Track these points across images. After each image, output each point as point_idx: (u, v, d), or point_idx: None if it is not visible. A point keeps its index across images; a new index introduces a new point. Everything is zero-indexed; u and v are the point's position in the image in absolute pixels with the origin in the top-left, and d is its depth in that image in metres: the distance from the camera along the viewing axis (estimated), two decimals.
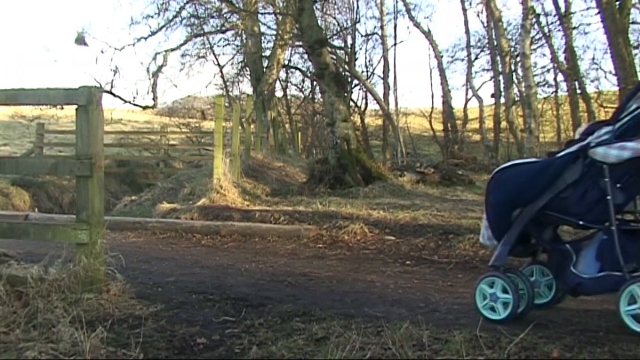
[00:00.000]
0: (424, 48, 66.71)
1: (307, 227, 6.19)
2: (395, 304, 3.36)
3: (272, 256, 5.23)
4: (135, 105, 12.98)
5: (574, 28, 16.74)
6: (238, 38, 18.76)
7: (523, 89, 14.84)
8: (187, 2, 14.48)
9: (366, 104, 24.06)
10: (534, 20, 15.38)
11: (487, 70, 22.71)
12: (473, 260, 4.81)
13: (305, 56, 17.08)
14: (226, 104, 18.58)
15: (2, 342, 2.41)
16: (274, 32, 16.32)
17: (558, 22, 16.44)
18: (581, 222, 2.79)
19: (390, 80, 21.62)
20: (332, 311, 3.05)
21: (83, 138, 3.12)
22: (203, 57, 19.47)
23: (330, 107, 9.90)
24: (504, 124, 20.07)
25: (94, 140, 3.12)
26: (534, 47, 17.61)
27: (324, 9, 19.46)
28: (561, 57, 17.88)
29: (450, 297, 3.53)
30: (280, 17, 15.12)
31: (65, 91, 3.25)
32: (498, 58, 17.86)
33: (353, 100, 22.30)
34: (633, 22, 13.84)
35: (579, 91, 17.23)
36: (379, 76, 22.58)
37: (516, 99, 17.55)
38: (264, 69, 15.33)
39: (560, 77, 19.60)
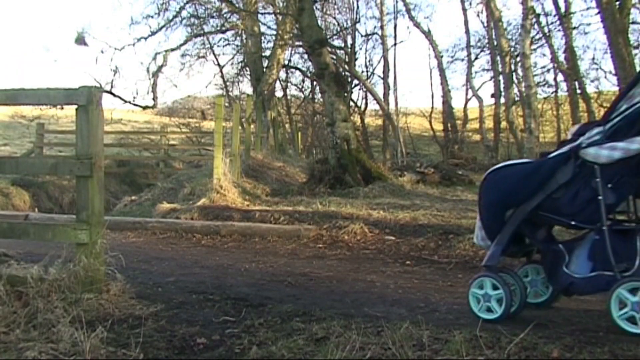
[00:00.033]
0: (424, 48, 66.75)
1: (307, 227, 6.19)
2: (395, 304, 3.36)
3: (272, 256, 5.23)
4: (135, 105, 12.99)
5: (574, 28, 16.75)
6: (238, 38, 18.79)
7: (523, 89, 14.84)
8: (187, 2, 14.49)
9: (366, 104, 24.10)
10: (534, 20, 15.38)
11: (487, 70, 22.73)
12: (473, 260, 4.81)
13: (305, 56, 17.10)
14: (226, 104, 18.58)
15: (2, 342, 2.41)
16: (274, 32, 16.33)
17: (558, 22, 16.45)
18: (573, 223, 2.81)
19: (390, 80, 21.65)
20: (332, 311, 3.05)
21: (83, 138, 3.12)
22: (203, 57, 19.50)
23: (330, 107, 9.90)
24: (504, 124, 20.07)
25: (94, 140, 3.13)
26: (534, 47, 17.61)
27: (324, 9, 19.47)
28: (561, 57, 17.88)
29: (450, 297, 3.53)
30: (280, 17, 15.12)
31: (65, 91, 3.25)
32: (498, 58, 17.87)
33: (353, 100, 22.32)
34: (633, 22, 13.86)
35: (579, 91, 17.24)
36: (379, 76, 22.60)
37: (516, 99, 17.56)
38: (264, 69, 15.33)
39: (560, 77, 19.61)
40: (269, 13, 16.50)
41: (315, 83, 19.92)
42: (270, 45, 16.66)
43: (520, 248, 3.09)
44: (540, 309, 3.10)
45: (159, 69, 13.77)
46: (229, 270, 4.53)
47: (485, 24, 20.65)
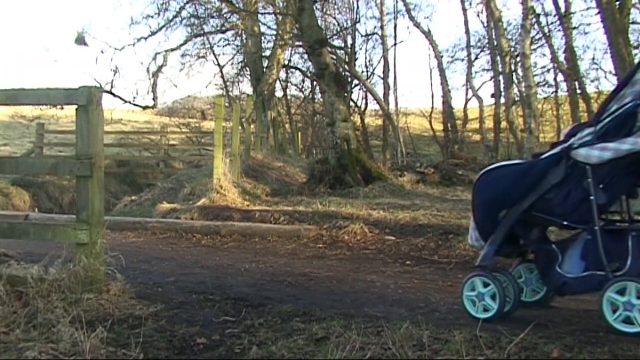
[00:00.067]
0: (424, 48, 66.72)
1: (307, 227, 6.19)
2: (395, 304, 3.36)
3: (272, 256, 5.23)
4: (135, 105, 12.99)
5: (574, 28, 16.74)
6: (238, 38, 18.79)
7: (523, 89, 14.83)
8: (187, 2, 14.50)
9: (366, 104, 24.08)
10: (534, 20, 15.38)
11: (487, 70, 22.70)
12: (473, 260, 4.79)
13: (305, 56, 17.10)
14: (226, 104, 18.58)
15: (2, 342, 2.41)
16: (274, 32, 16.33)
17: (558, 22, 16.44)
18: (565, 223, 2.83)
19: (390, 80, 21.63)
20: (332, 311, 3.05)
21: (83, 138, 3.12)
22: (203, 57, 19.50)
23: (330, 107, 9.90)
24: (504, 124, 20.04)
25: (94, 140, 3.13)
26: (534, 47, 17.60)
27: (324, 9, 19.46)
28: (561, 57, 17.88)
29: (450, 297, 3.53)
30: (280, 17, 15.12)
31: (65, 91, 3.25)
32: (498, 58, 17.85)
33: (353, 100, 22.31)
34: (633, 22, 13.85)
35: (579, 91, 17.23)
36: (379, 76, 22.59)
37: (516, 99, 17.54)
38: (264, 69, 15.33)
39: (560, 77, 19.59)
40: (269, 13, 16.52)
41: (315, 83, 19.91)
42: (270, 45, 16.68)
43: (514, 248, 3.11)
44: (540, 309, 3.10)
45: (159, 69, 13.78)
46: (229, 270, 4.53)
47: (485, 24, 20.63)
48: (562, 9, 16.15)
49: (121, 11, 47.34)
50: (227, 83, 22.28)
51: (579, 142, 2.74)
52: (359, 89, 22.90)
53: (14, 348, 2.34)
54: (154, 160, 16.37)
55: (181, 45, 15.50)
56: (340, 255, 5.28)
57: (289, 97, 23.87)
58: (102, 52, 13.13)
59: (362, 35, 23.19)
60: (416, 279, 4.24)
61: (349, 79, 19.64)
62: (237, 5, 14.38)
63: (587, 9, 16.82)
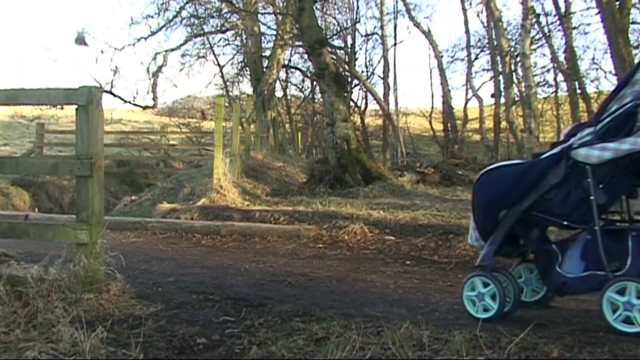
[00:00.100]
0: (424, 48, 66.72)
1: (307, 227, 6.19)
2: (395, 304, 3.36)
3: (272, 256, 5.23)
4: (135, 105, 13.00)
5: (574, 28, 16.74)
6: (238, 38, 18.79)
7: (523, 89, 14.83)
8: (187, 2, 14.50)
9: (366, 104, 24.08)
10: (534, 20, 15.38)
11: (487, 70, 22.70)
12: (473, 260, 4.79)
13: (305, 56, 17.10)
14: (226, 104, 18.59)
15: (2, 342, 2.41)
16: (274, 32, 16.33)
17: (558, 22, 16.44)
18: (565, 223, 2.83)
19: (390, 80, 21.62)
20: (332, 311, 3.05)
21: (83, 138, 3.12)
22: (203, 57, 19.50)
23: (330, 107, 9.90)
24: (504, 124, 20.04)
25: (94, 140, 3.13)
26: (534, 47, 17.60)
27: (324, 9, 19.46)
28: (561, 57, 17.88)
29: (450, 297, 3.53)
30: (280, 17, 15.12)
31: (65, 91, 3.25)
32: (498, 58, 17.85)
33: (353, 100, 22.31)
34: (633, 22, 13.85)
35: (579, 91, 17.23)
36: (379, 76, 22.58)
37: (516, 99, 17.54)
38: (264, 69, 15.33)
39: (560, 77, 19.59)
40: (269, 13, 16.52)
41: (315, 83, 19.91)
42: (270, 45, 16.68)
43: (514, 248, 3.11)
44: (540, 309, 3.10)
45: (159, 69, 13.79)
46: (229, 270, 4.53)
47: (485, 24, 20.63)
48: (562, 9, 16.15)
49: (121, 11, 47.41)
50: (227, 83, 22.31)
51: (579, 142, 2.75)
52: (359, 89, 22.93)
53: (14, 348, 2.34)
54: (154, 160, 16.37)
55: (181, 45, 15.52)
56: (340, 255, 5.28)
57: (289, 97, 23.88)
58: (102, 52, 13.16)
59: (362, 35, 23.23)
60: (416, 279, 4.24)
61: (349, 79, 19.64)
62: (237, 5, 14.39)
63: (587, 9, 16.84)
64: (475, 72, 22.82)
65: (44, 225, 3.86)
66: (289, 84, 23.50)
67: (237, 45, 19.53)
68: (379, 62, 23.08)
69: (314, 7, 11.17)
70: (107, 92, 11.62)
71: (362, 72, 22.69)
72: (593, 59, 28.56)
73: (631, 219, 2.86)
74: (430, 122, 23.82)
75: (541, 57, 23.78)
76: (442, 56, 21.78)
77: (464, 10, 21.59)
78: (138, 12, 39.42)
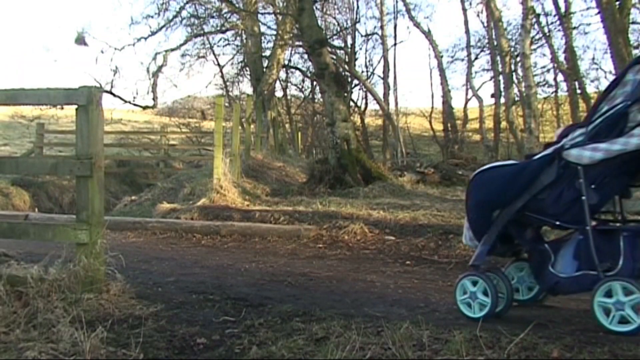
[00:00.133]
0: (424, 48, 66.70)
1: (307, 227, 6.19)
2: (395, 304, 3.36)
3: (272, 256, 5.23)
4: (135, 105, 13.00)
5: (574, 28, 16.74)
6: (238, 38, 18.78)
7: (523, 89, 14.83)
8: (187, 2, 14.50)
9: (366, 104, 24.08)
10: (534, 20, 15.38)
11: (487, 70, 22.68)
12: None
13: (305, 56, 17.09)
14: (226, 104, 18.59)
15: (2, 342, 2.41)
16: (274, 32, 16.33)
17: (558, 22, 16.43)
18: (558, 223, 2.85)
19: (390, 80, 21.62)
20: (332, 311, 3.05)
21: (83, 138, 3.12)
22: (203, 57, 19.49)
23: (330, 107, 9.90)
24: (504, 124, 20.04)
25: (94, 140, 3.13)
26: (534, 47, 17.59)
27: (324, 9, 19.46)
28: (561, 57, 17.87)
29: (450, 297, 3.51)
30: (280, 17, 15.12)
31: (65, 91, 3.26)
32: (498, 58, 17.84)
33: (353, 100, 22.30)
34: (633, 22, 13.85)
35: (579, 91, 17.23)
36: (379, 76, 22.58)
37: (516, 99, 17.54)
38: (264, 69, 15.33)
39: (560, 77, 19.58)
40: (269, 13, 16.52)
41: (315, 83, 19.91)
42: (270, 45, 16.67)
43: (508, 248, 3.13)
44: (540, 309, 3.10)
45: (159, 69, 13.79)
46: (229, 270, 4.53)
47: (485, 24, 20.62)
48: (562, 9, 16.14)
49: (121, 11, 47.42)
50: (227, 83, 22.30)
51: (570, 142, 2.76)
52: (359, 89, 22.93)
53: (14, 348, 2.34)
54: (154, 160, 16.37)
55: (181, 45, 15.52)
56: (340, 255, 5.28)
57: (289, 97, 23.87)
58: (102, 52, 13.16)
59: (362, 35, 23.23)
60: (416, 279, 4.24)
61: (349, 79, 19.63)
62: (237, 5, 14.39)
63: (587, 9, 16.83)
64: (475, 72, 22.84)
65: (44, 225, 3.86)
66: (289, 84, 23.53)
67: (237, 45, 19.55)
68: (379, 62, 23.11)
69: (314, 7, 11.17)
70: (107, 92, 11.62)
71: (362, 72, 22.70)
72: (593, 59, 28.56)
73: (624, 219, 2.89)
74: (430, 122, 23.81)
75: (541, 57, 23.78)
76: (442, 56, 21.80)
77: (464, 10, 21.61)
78: (138, 12, 39.45)
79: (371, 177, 9.74)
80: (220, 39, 19.13)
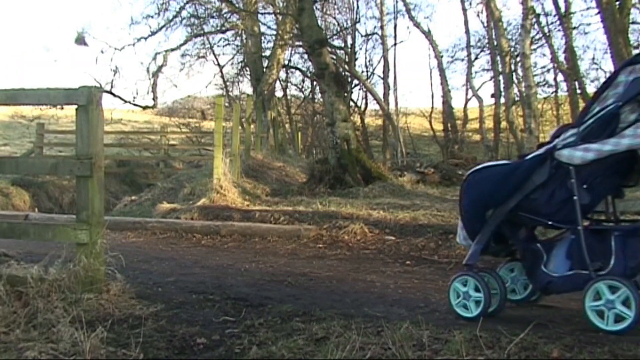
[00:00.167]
0: (424, 48, 66.69)
1: (307, 227, 6.19)
2: (395, 304, 3.36)
3: (272, 256, 5.23)
4: (135, 105, 13.00)
5: (574, 28, 16.73)
6: (238, 38, 18.78)
7: (523, 89, 14.83)
8: (187, 2, 14.50)
9: (366, 104, 24.08)
10: (534, 20, 15.37)
11: (487, 70, 22.68)
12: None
13: (305, 56, 17.09)
14: (226, 104, 18.59)
15: (2, 342, 2.41)
16: (274, 32, 16.33)
17: (558, 22, 16.42)
18: (550, 222, 2.88)
19: (390, 80, 21.62)
20: (332, 311, 3.05)
21: (83, 138, 3.12)
22: (203, 57, 19.49)
23: (330, 107, 9.90)
24: (504, 124, 20.04)
25: (94, 140, 3.13)
26: (534, 47, 17.59)
27: (324, 9, 19.46)
28: (561, 57, 17.85)
29: None
30: (280, 17, 15.12)
31: (65, 91, 3.26)
32: (498, 58, 17.84)
33: (353, 100, 22.30)
34: (633, 22, 13.86)
35: (579, 91, 17.21)
36: (379, 76, 22.57)
37: (516, 99, 17.54)
38: (264, 69, 15.33)
39: (560, 77, 19.58)
40: (269, 13, 16.52)
41: (315, 83, 19.91)
42: (270, 45, 16.68)
43: (502, 247, 3.15)
44: (540, 309, 3.11)
45: (159, 69, 13.79)
46: (229, 270, 4.53)
47: (485, 24, 20.62)
48: (562, 9, 16.13)
49: (121, 11, 47.47)
50: (227, 83, 22.30)
51: (562, 143, 2.79)
52: (359, 89, 22.92)
53: (14, 348, 2.34)
54: (154, 160, 16.37)
55: (181, 45, 15.52)
56: (340, 255, 5.28)
57: (289, 97, 23.87)
58: (102, 52, 13.16)
59: (362, 35, 23.22)
60: (416, 279, 4.24)
61: (349, 79, 19.63)
62: (237, 5, 14.39)
63: (587, 9, 16.82)
64: (475, 72, 22.84)
65: (44, 225, 3.86)
66: (289, 84, 23.53)
67: (237, 45, 19.55)
68: (379, 62, 23.10)
69: (314, 7, 11.17)
70: (107, 92, 11.62)
71: (362, 72, 22.70)
72: (593, 59, 28.57)
73: (617, 219, 2.91)
74: (430, 122, 23.81)
75: (541, 57, 23.76)
76: (442, 56, 21.79)
77: (464, 10, 21.60)
78: (138, 12, 39.47)
79: (371, 177, 9.74)
80: (220, 39, 19.16)
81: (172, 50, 14.66)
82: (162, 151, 16.83)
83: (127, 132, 20.02)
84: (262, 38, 16.50)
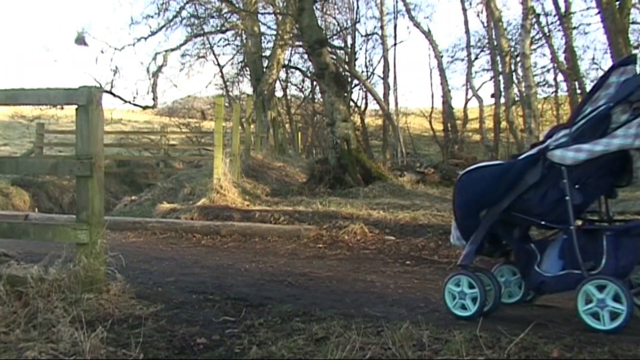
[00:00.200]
0: (424, 48, 66.70)
1: (307, 227, 6.19)
2: (395, 304, 3.36)
3: (272, 256, 5.23)
4: (135, 105, 13.01)
5: (574, 28, 16.73)
6: (238, 38, 18.78)
7: (523, 89, 14.82)
8: (187, 2, 14.51)
9: (366, 104, 24.07)
10: (534, 20, 15.36)
11: (487, 70, 22.67)
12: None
13: (305, 56, 17.09)
14: (226, 104, 18.58)
15: (2, 342, 2.41)
16: (274, 32, 16.33)
17: (558, 22, 16.42)
18: (543, 222, 2.90)
19: (390, 80, 21.60)
20: (332, 311, 3.05)
21: (83, 138, 3.12)
22: (203, 57, 19.49)
23: (330, 107, 9.90)
24: (504, 124, 20.03)
25: (94, 140, 3.13)
26: (534, 47, 17.58)
27: (324, 9, 19.46)
28: (561, 57, 17.85)
29: None
30: (280, 17, 15.12)
31: (65, 91, 3.26)
32: (498, 58, 17.83)
33: (353, 100, 22.30)
34: (633, 22, 13.86)
35: (579, 91, 17.21)
36: (379, 76, 22.57)
37: (516, 99, 17.53)
38: (264, 69, 15.33)
39: (560, 77, 19.58)
40: (269, 13, 16.52)
41: (315, 83, 19.91)
42: (270, 45, 16.67)
43: (496, 248, 3.16)
44: (540, 309, 3.11)
45: (159, 69, 13.80)
46: (229, 270, 4.53)
47: (485, 24, 20.61)
48: (562, 9, 16.13)
49: (121, 11, 47.47)
50: (227, 83, 22.29)
51: (555, 143, 2.81)
52: (359, 89, 22.92)
53: (14, 348, 2.34)
54: (154, 160, 16.37)
55: (181, 45, 15.53)
56: (340, 255, 5.28)
57: (289, 97, 23.87)
58: (102, 52, 13.18)
59: (362, 35, 23.21)
60: (416, 279, 4.24)
61: (349, 79, 19.63)
62: (237, 5, 14.39)
63: (587, 9, 16.82)
64: (475, 72, 22.83)
65: (44, 225, 3.86)
66: (289, 84, 23.53)
67: (237, 45, 19.54)
68: (379, 62, 23.10)
69: (314, 7, 11.16)
70: (107, 92, 11.63)
71: (362, 72, 22.69)
72: (593, 59, 28.50)
73: (610, 219, 2.93)
74: (430, 122, 23.80)
75: (541, 57, 23.75)
76: (442, 56, 21.79)
77: (464, 10, 21.60)
78: (138, 12, 39.47)
79: (371, 177, 9.74)
80: (220, 39, 19.16)
81: (172, 50, 14.68)
82: (162, 151, 16.84)
83: (127, 132, 20.02)
84: (262, 38, 16.52)
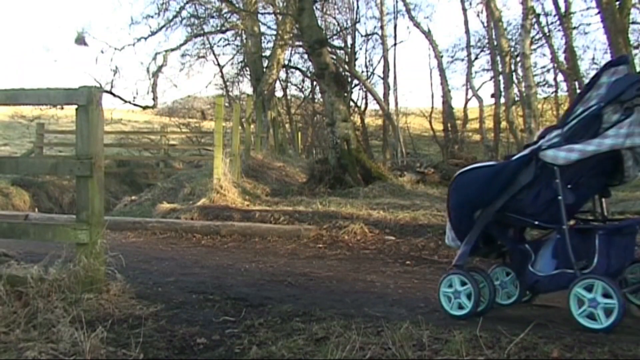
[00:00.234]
0: (424, 48, 66.70)
1: (307, 227, 6.19)
2: (395, 304, 3.36)
3: (272, 256, 5.23)
4: (135, 105, 13.01)
5: (574, 28, 16.72)
6: (238, 38, 18.77)
7: (523, 89, 14.81)
8: (187, 2, 14.50)
9: (366, 104, 24.07)
10: (534, 20, 15.36)
11: (487, 70, 22.65)
12: (473, 260, 4.80)
13: (305, 56, 17.09)
14: (226, 104, 18.58)
15: (2, 342, 2.41)
16: (274, 32, 16.32)
17: (558, 22, 16.41)
18: (536, 222, 2.91)
19: (390, 80, 21.59)
20: (332, 311, 3.05)
21: (83, 138, 3.12)
22: (203, 57, 19.48)
23: (330, 107, 9.90)
24: (504, 124, 20.02)
25: (94, 140, 3.13)
26: (534, 47, 17.58)
27: (324, 9, 19.45)
28: (561, 57, 17.84)
29: None
30: (280, 17, 15.12)
31: (65, 91, 3.26)
32: (498, 58, 17.82)
33: (353, 100, 22.29)
34: (633, 22, 13.85)
35: (579, 91, 17.19)
36: (379, 76, 22.56)
37: (516, 99, 17.52)
38: (264, 69, 15.33)
39: (560, 77, 19.58)
40: (269, 13, 16.51)
41: (315, 83, 19.90)
42: (270, 45, 16.67)
43: (492, 248, 3.17)
44: (540, 309, 3.11)
45: (159, 69, 13.80)
46: (229, 270, 4.53)
47: (485, 24, 20.60)
48: (562, 9, 16.13)
49: (121, 11, 47.48)
50: (227, 83, 22.28)
51: (547, 143, 2.82)
52: (359, 89, 22.91)
53: (14, 348, 2.34)
54: (154, 160, 16.37)
55: (181, 45, 15.53)
56: (340, 255, 5.28)
57: (289, 97, 23.86)
58: (102, 52, 13.19)
59: (362, 35, 23.20)
60: (416, 279, 4.24)
61: (349, 79, 19.62)
62: (237, 5, 14.39)
63: (587, 9, 16.82)
64: (475, 72, 22.81)
65: (44, 225, 3.86)
66: (289, 84, 23.52)
67: (237, 45, 19.54)
68: (379, 62, 23.08)
69: (314, 7, 11.16)
70: (107, 92, 11.63)
71: (362, 72, 22.68)
72: (593, 59, 28.37)
73: (605, 218, 2.94)
74: (430, 122, 23.80)
75: (541, 57, 23.74)
76: (442, 56, 21.77)
77: (464, 10, 21.57)
78: (138, 12, 39.47)
79: (371, 177, 9.74)
80: (220, 39, 19.15)
81: (172, 50, 14.68)
82: (162, 151, 16.83)
83: (127, 132, 20.02)
84: (262, 38, 16.51)
